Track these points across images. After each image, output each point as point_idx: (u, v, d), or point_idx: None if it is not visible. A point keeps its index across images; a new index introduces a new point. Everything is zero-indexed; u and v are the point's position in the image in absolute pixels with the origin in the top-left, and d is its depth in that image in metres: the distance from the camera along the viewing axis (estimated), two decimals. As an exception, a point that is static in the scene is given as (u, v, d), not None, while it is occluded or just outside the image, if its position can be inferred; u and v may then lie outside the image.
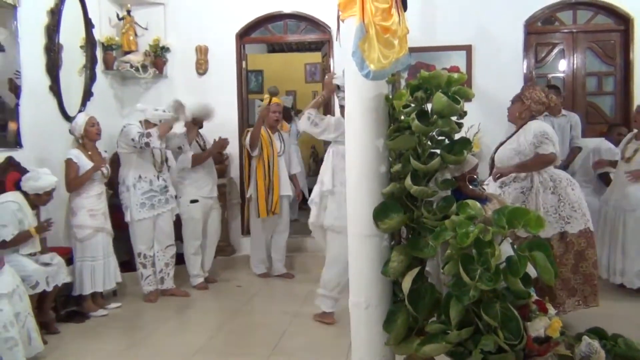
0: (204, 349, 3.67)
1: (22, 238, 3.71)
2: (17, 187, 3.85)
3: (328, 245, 4.06)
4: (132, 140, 4.53)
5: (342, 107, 3.85)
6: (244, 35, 6.11)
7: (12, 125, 4.13)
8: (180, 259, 5.15)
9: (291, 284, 5.28)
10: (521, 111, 3.78)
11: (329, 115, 3.94)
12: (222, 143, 5.19)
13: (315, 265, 5.59)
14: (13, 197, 3.75)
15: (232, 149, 5.88)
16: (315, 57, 8.90)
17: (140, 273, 4.76)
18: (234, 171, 5.99)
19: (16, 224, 3.68)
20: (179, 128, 5.04)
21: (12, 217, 3.66)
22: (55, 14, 4.70)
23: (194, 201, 5.06)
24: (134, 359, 3.56)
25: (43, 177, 3.85)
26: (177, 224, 5.07)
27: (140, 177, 4.67)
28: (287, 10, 5.99)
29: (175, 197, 4.96)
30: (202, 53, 6.01)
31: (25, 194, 3.81)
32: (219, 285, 5.26)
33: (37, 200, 3.87)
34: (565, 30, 5.81)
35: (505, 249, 2.36)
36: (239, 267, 5.78)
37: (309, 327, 4.01)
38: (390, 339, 2.62)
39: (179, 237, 5.13)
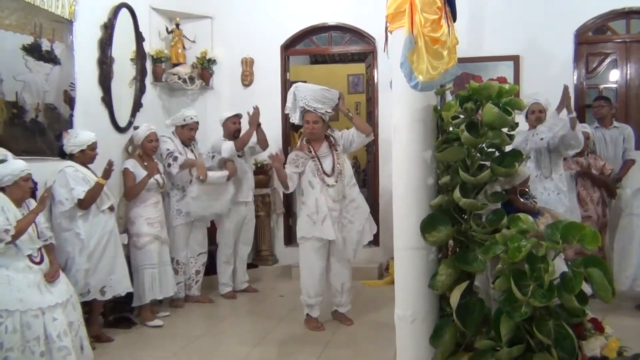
0: (249, 356, 3.70)
1: (94, 192, 3.84)
2: (62, 153, 3.96)
3: None
4: (161, 155, 4.73)
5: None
6: (289, 47, 6.17)
7: (66, 136, 4.26)
8: (213, 268, 5.24)
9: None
10: None
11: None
12: (255, 115, 5.01)
13: (361, 277, 5.57)
14: (65, 163, 3.87)
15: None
16: (358, 68, 8.90)
17: None
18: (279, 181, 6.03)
19: (82, 183, 3.81)
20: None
21: (74, 178, 3.80)
22: (108, 29, 4.86)
23: None
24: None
25: (81, 133, 3.99)
26: (211, 231, 5.16)
27: (173, 185, 4.80)
28: (331, 22, 6.02)
29: None
30: (247, 65, 6.11)
31: (71, 156, 3.91)
32: (261, 294, 5.28)
33: (84, 159, 3.95)
34: (618, 40, 5.63)
35: (559, 265, 2.30)
36: (281, 277, 5.80)
37: (353, 339, 3.98)
38: (437, 354, 2.58)
39: (213, 242, 5.22)
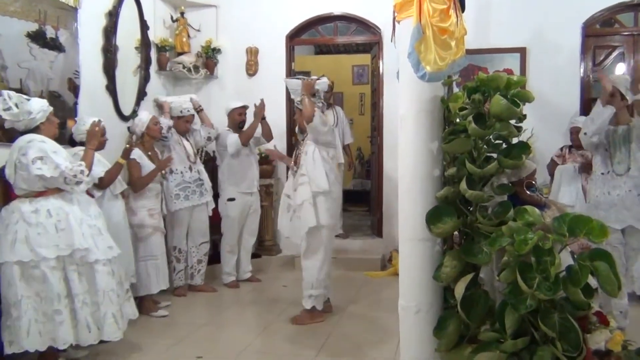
0: (252, 345, 3.71)
1: (114, 171, 3.89)
2: (72, 142, 3.94)
3: None
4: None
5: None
6: (294, 37, 6.14)
7: (70, 124, 4.24)
8: (216, 257, 5.26)
9: (339, 284, 5.25)
10: None
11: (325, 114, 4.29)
12: (261, 108, 5.05)
13: (363, 268, 5.58)
14: (78, 148, 3.82)
15: (280, 149, 5.91)
16: (362, 58, 8.86)
17: (172, 267, 4.82)
18: (282, 171, 6.02)
19: (98, 164, 3.79)
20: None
21: None
22: (113, 16, 4.84)
23: (231, 199, 5.10)
24: (186, 353, 3.61)
25: (88, 120, 3.93)
26: (216, 220, 5.15)
27: (171, 170, 4.74)
28: (337, 12, 5.99)
29: (217, 194, 5.08)
30: (252, 54, 6.08)
31: (82, 144, 3.84)
32: (264, 284, 5.29)
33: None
34: (626, 33, 5.59)
35: (565, 258, 2.29)
36: (284, 267, 5.81)
37: (356, 330, 3.99)
38: (441, 345, 2.58)
39: (217, 232, 5.22)
